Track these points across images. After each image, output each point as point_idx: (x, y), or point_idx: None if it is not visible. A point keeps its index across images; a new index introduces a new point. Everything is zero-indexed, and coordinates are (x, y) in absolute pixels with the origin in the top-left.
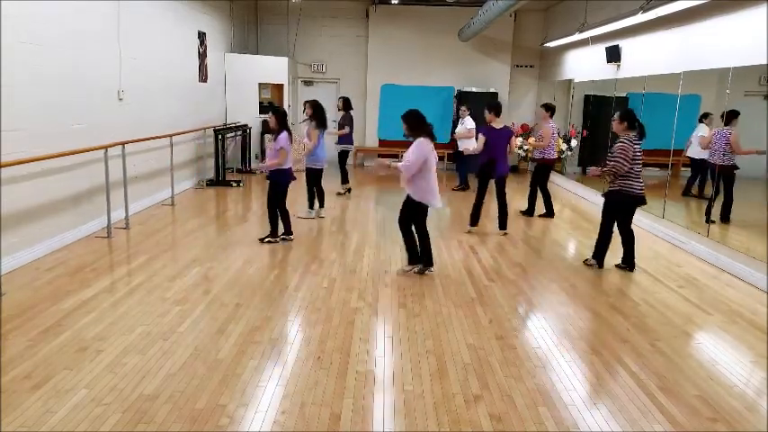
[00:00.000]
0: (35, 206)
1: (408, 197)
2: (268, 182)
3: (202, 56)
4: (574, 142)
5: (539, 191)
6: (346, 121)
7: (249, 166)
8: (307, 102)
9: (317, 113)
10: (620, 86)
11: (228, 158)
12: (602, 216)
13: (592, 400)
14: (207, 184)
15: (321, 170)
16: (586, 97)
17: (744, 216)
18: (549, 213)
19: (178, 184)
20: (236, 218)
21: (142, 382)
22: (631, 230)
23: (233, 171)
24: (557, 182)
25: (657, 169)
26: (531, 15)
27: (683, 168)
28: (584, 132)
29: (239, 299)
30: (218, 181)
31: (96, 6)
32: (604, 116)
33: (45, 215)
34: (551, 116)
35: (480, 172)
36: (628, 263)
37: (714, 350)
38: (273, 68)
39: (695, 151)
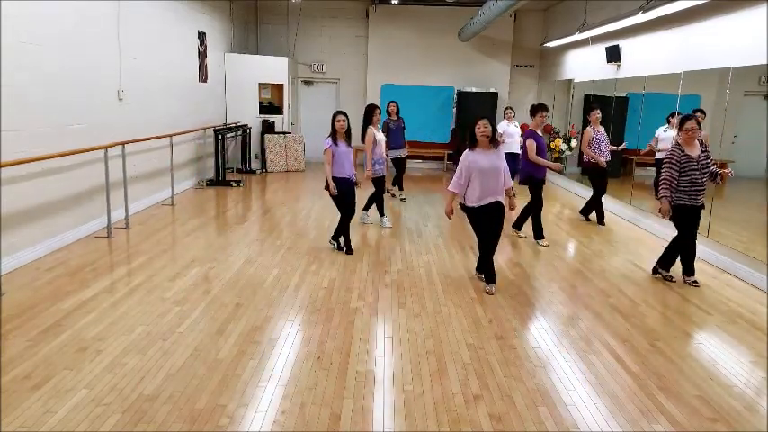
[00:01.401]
0: (35, 206)
1: (503, 207)
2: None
3: (202, 56)
4: (574, 142)
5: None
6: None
7: (249, 166)
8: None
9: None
10: (621, 86)
11: (228, 158)
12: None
13: (592, 400)
14: (207, 184)
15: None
16: (586, 97)
17: (744, 216)
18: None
19: (178, 184)
20: (237, 218)
21: (142, 382)
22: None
23: (233, 171)
24: (557, 182)
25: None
26: (531, 15)
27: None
28: None
29: (239, 299)
30: (218, 181)
31: (96, 6)
32: (604, 116)
33: (45, 215)
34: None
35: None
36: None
37: (714, 350)
38: (273, 68)
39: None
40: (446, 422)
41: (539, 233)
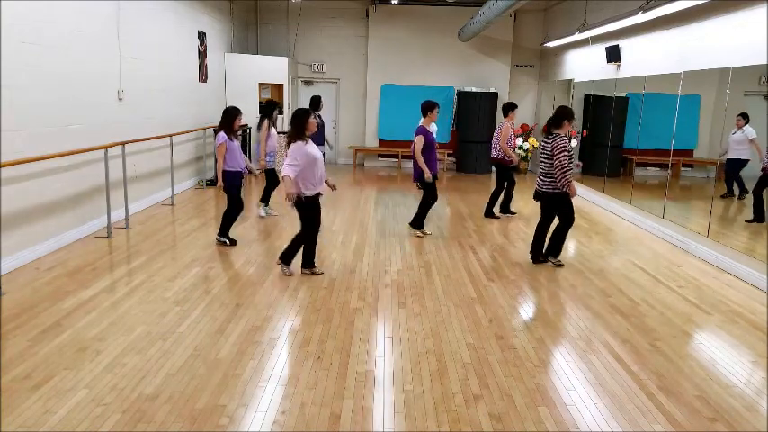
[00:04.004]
0: (35, 206)
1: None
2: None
3: (202, 56)
4: (574, 142)
5: (501, 190)
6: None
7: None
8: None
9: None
10: (620, 86)
11: None
12: (550, 213)
13: (592, 400)
14: (207, 184)
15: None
16: (586, 97)
17: (744, 216)
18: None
19: (178, 184)
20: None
21: (142, 382)
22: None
23: None
24: None
25: (658, 169)
26: (531, 15)
27: (683, 168)
28: (585, 132)
29: (239, 299)
30: None
31: (96, 6)
32: (604, 116)
33: (45, 215)
34: (505, 115)
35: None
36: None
37: (714, 350)
38: (273, 68)
39: (738, 153)
40: (446, 422)
41: (419, 223)
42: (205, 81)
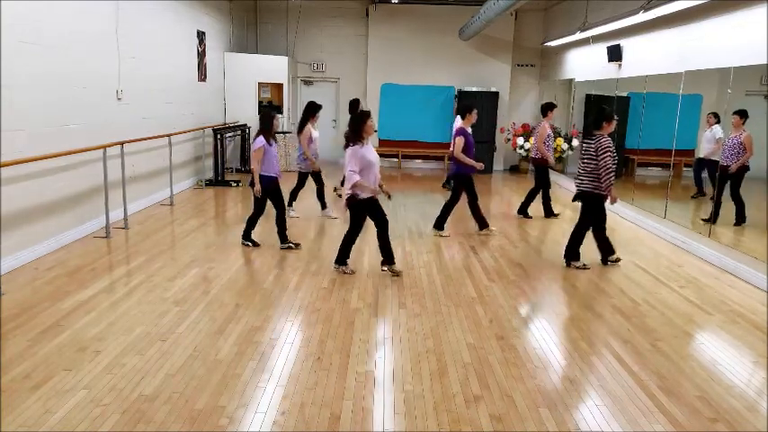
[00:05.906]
0: (35, 206)
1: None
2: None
3: (202, 55)
4: (575, 142)
5: (538, 190)
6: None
7: (249, 166)
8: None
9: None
10: (622, 86)
11: (227, 158)
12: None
13: (592, 400)
14: (206, 184)
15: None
16: (587, 97)
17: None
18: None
19: (177, 183)
20: (236, 218)
21: (141, 383)
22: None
23: (232, 171)
24: (558, 182)
25: (659, 169)
26: (532, 14)
27: (684, 168)
28: None
29: (239, 299)
30: (218, 181)
31: (96, 6)
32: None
33: (45, 215)
34: (543, 115)
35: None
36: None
37: (715, 350)
38: (273, 68)
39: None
40: (446, 422)
41: (441, 224)
42: (204, 80)
